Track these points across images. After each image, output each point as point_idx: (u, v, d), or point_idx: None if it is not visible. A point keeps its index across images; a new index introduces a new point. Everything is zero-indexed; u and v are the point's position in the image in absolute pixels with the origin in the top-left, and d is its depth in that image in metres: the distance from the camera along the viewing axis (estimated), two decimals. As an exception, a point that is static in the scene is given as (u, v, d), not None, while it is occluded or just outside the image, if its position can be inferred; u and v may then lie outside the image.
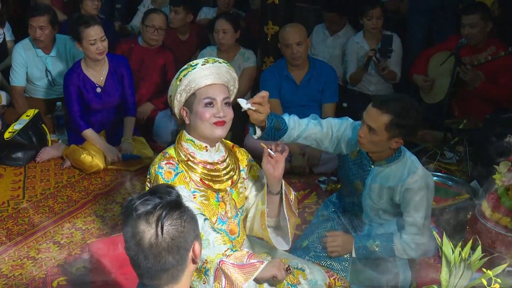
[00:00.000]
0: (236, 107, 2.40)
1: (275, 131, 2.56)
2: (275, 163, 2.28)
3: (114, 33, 5.13)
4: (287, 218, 2.33)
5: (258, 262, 2.02)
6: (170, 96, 2.29)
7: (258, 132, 2.53)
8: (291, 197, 2.38)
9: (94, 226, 3.52)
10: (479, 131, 3.97)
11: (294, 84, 4.30)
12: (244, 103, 2.32)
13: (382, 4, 4.93)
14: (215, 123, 2.24)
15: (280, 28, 4.35)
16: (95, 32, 3.98)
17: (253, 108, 2.35)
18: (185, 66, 2.25)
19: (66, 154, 4.24)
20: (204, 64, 2.22)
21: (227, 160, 2.35)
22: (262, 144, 2.32)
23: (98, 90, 4.16)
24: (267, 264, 2.04)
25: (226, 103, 2.27)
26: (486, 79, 4.27)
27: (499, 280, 1.75)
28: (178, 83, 2.23)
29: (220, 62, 2.26)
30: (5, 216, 3.61)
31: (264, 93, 2.38)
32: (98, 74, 4.17)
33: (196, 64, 2.23)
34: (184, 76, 2.22)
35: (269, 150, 2.28)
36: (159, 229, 1.50)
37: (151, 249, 1.50)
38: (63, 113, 4.49)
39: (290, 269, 2.20)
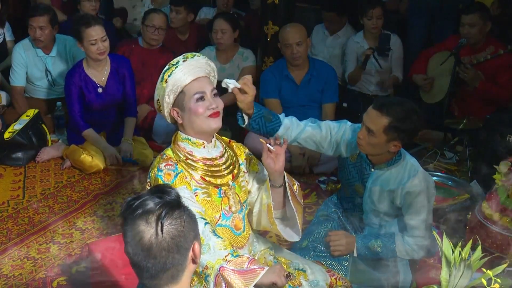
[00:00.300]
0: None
1: (265, 121, 2.57)
2: (275, 157, 2.28)
3: (114, 33, 5.13)
4: (295, 210, 2.34)
5: (258, 268, 2.01)
6: (158, 100, 2.29)
7: (246, 120, 2.54)
8: (295, 188, 2.38)
9: (94, 226, 3.52)
10: (479, 131, 3.97)
11: (294, 84, 4.30)
12: (229, 81, 2.32)
13: (383, 4, 4.92)
14: (210, 116, 2.24)
15: (280, 28, 4.35)
16: (96, 32, 3.98)
17: (239, 86, 2.36)
18: (167, 67, 2.25)
19: (66, 154, 4.24)
20: (185, 60, 2.24)
21: (226, 155, 2.36)
22: (261, 139, 2.33)
23: (100, 90, 4.16)
24: (268, 270, 2.03)
25: (214, 94, 2.29)
26: (485, 79, 4.28)
27: (498, 280, 1.75)
28: (164, 85, 2.23)
29: (199, 56, 2.29)
30: (5, 216, 3.61)
31: (247, 76, 2.43)
32: (99, 74, 4.17)
33: (177, 62, 2.24)
34: (169, 76, 2.22)
35: (268, 145, 2.28)
36: (159, 228, 1.50)
37: (151, 249, 1.50)
38: (63, 113, 4.48)
39: (290, 276, 2.20)
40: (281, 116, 2.68)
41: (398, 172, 2.67)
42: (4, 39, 5.07)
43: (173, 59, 2.28)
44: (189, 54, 2.28)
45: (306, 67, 4.30)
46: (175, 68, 2.22)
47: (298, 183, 2.46)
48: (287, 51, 4.18)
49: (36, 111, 4.41)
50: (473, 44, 4.35)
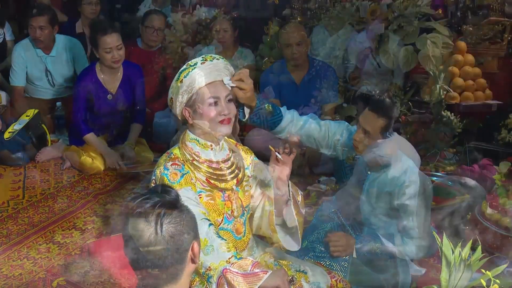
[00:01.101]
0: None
1: (267, 115, 2.56)
2: (281, 165, 2.28)
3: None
4: (296, 219, 2.34)
5: (261, 272, 2.01)
6: (171, 98, 2.27)
7: (247, 114, 2.53)
8: (298, 198, 2.38)
9: (94, 226, 3.52)
10: (479, 131, 3.97)
11: (294, 84, 4.30)
12: (226, 80, 2.29)
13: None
14: (221, 122, 2.23)
15: (280, 28, 4.35)
16: (111, 40, 3.92)
17: (234, 85, 2.33)
18: (184, 66, 2.23)
19: (66, 154, 4.23)
20: (203, 62, 2.21)
21: (231, 159, 2.35)
22: (270, 147, 2.32)
23: (109, 97, 4.13)
24: (271, 274, 2.03)
25: (229, 100, 2.27)
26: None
27: (497, 281, 1.75)
28: (179, 84, 2.21)
29: (218, 59, 2.26)
30: (5, 216, 3.60)
31: (242, 70, 2.40)
32: (111, 81, 4.13)
33: (195, 64, 2.21)
34: (184, 77, 2.20)
35: (276, 153, 2.27)
36: (158, 227, 1.50)
37: (150, 247, 1.50)
38: (63, 113, 4.49)
39: (293, 280, 2.20)
40: (283, 109, 2.68)
41: (394, 173, 2.66)
42: (4, 39, 5.08)
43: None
44: (208, 56, 2.25)
45: (306, 67, 4.30)
46: (192, 69, 2.20)
47: (302, 193, 2.45)
48: (287, 51, 4.18)
49: (36, 111, 4.41)
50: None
